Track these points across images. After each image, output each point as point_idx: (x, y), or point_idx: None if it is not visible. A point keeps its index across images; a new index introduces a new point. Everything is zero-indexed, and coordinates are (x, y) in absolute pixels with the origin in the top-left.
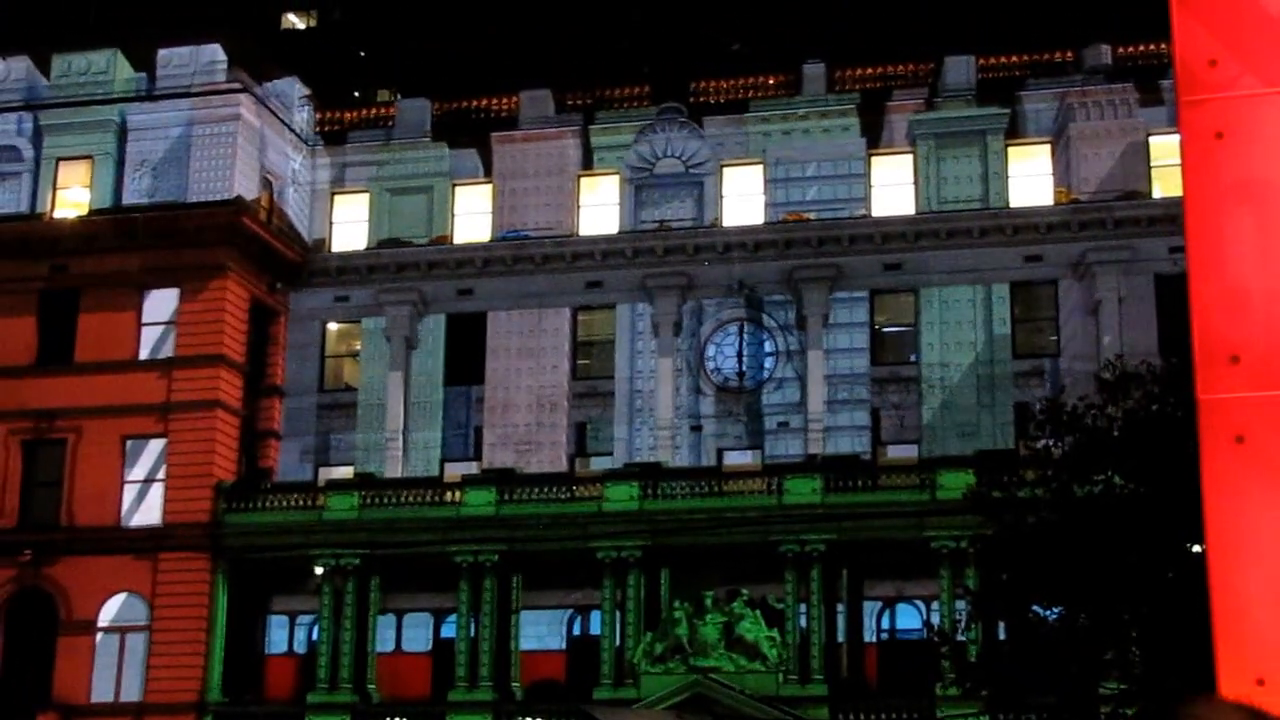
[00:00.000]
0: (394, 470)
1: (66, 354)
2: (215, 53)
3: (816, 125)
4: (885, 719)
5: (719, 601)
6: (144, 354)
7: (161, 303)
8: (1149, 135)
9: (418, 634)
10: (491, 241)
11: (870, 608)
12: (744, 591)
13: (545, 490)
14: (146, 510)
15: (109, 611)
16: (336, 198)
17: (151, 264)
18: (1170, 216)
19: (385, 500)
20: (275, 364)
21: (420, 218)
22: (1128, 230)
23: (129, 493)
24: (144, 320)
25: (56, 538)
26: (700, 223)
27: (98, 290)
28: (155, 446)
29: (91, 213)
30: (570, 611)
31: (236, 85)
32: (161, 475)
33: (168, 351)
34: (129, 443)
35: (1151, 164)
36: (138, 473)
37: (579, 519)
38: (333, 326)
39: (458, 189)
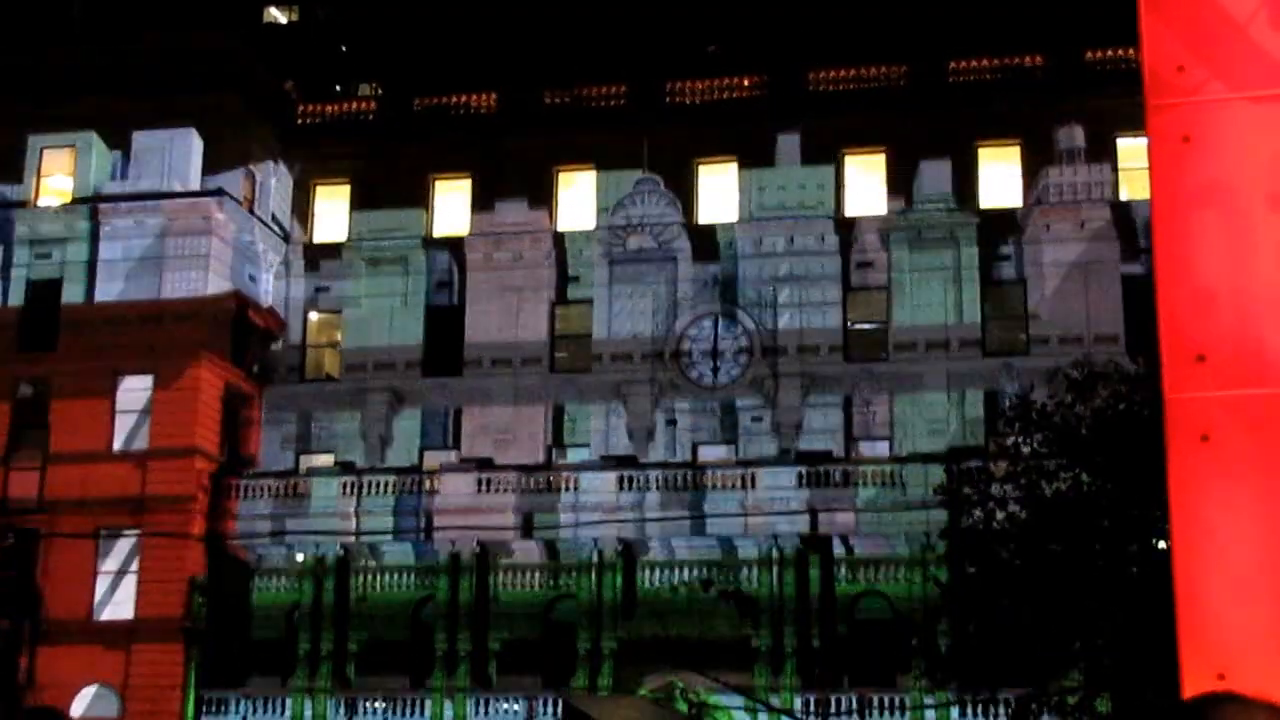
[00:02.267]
0: (374, 461)
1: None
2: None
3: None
4: (857, 707)
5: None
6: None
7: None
8: (1116, 138)
9: None
10: (470, 236)
11: (842, 600)
12: (715, 583)
13: (522, 482)
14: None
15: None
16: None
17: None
18: (1137, 216)
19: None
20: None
21: (404, 217)
22: (1095, 230)
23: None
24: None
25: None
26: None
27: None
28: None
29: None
30: (543, 622)
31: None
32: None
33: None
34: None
35: (1119, 166)
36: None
37: (555, 508)
38: (313, 316)
39: (438, 183)
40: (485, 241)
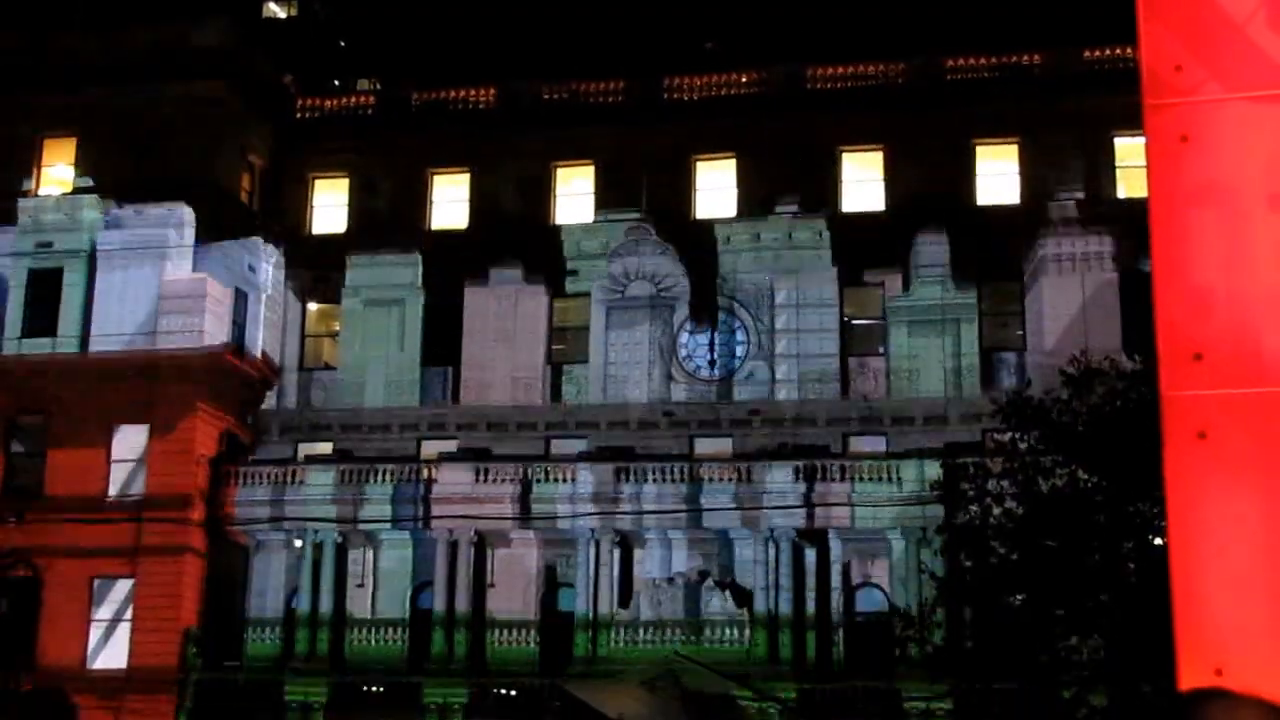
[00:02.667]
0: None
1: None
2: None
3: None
4: (851, 698)
5: (689, 583)
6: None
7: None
8: (1114, 137)
9: None
10: (468, 228)
11: (837, 590)
12: (711, 575)
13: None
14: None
15: None
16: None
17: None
18: (1134, 215)
19: (361, 475)
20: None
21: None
22: (1094, 228)
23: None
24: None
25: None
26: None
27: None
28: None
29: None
30: (542, 585)
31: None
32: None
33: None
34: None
35: (1116, 164)
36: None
37: (552, 498)
38: (312, 306)
39: (436, 176)
40: (484, 232)
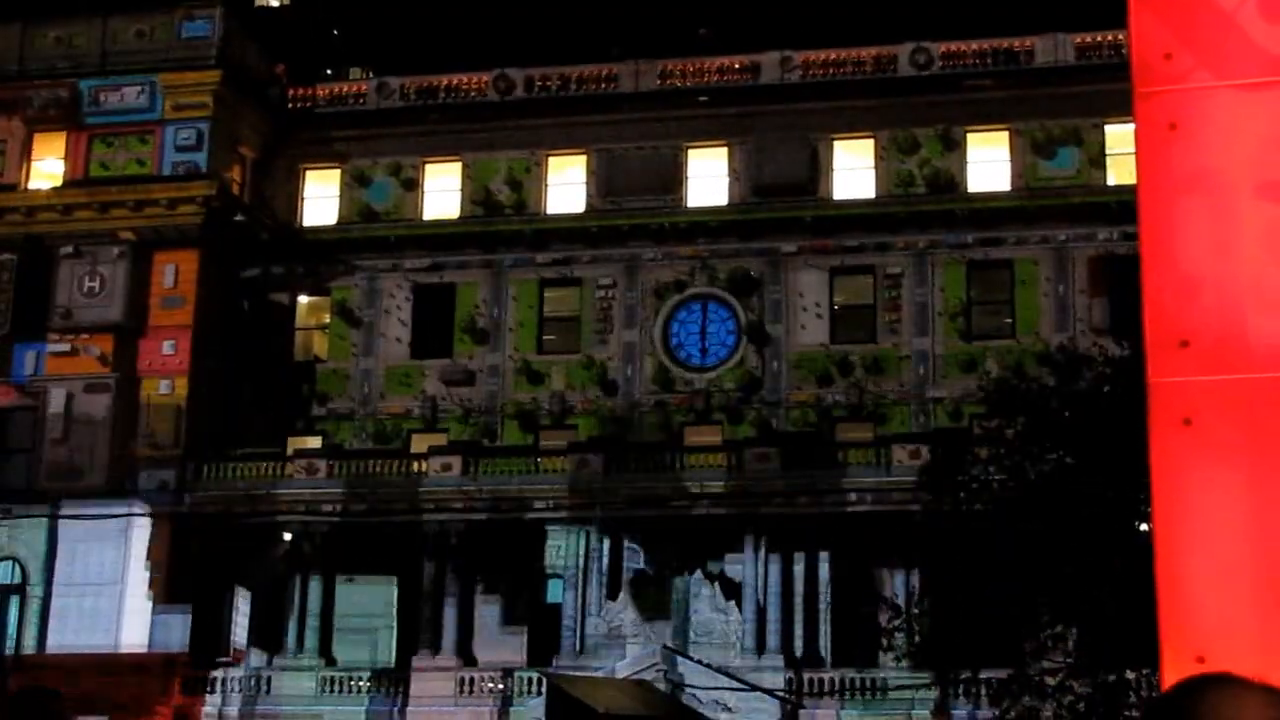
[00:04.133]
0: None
1: None
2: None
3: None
4: (838, 687)
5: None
6: None
7: None
8: (1105, 124)
9: None
10: (460, 218)
11: (825, 582)
12: (700, 568)
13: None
14: None
15: None
16: None
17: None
18: (1123, 202)
19: (354, 469)
20: None
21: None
22: (1082, 214)
23: None
24: None
25: None
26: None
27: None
28: None
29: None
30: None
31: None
32: None
33: None
34: None
35: (1107, 152)
36: None
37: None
38: (303, 299)
39: (428, 166)
40: (476, 222)
